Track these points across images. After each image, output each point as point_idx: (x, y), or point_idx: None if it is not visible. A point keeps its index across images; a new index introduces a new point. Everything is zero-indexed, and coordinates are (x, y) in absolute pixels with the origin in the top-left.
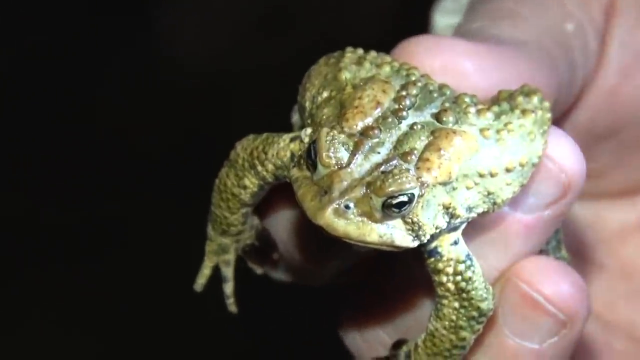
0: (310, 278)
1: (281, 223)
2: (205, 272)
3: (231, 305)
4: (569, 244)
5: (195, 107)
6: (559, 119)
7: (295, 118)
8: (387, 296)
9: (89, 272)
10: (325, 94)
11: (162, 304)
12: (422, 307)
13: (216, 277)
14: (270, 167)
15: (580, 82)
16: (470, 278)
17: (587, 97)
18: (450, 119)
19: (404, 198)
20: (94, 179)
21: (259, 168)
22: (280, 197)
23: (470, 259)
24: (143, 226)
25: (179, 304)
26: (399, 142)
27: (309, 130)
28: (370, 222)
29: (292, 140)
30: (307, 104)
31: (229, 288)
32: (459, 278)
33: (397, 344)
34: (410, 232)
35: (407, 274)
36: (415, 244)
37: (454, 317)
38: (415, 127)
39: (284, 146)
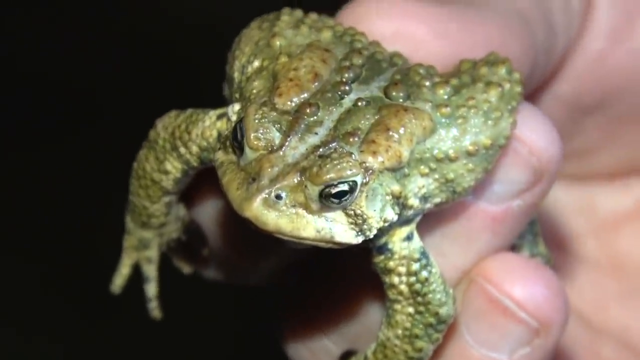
0: (244, 277)
1: (209, 214)
2: (124, 271)
3: (154, 309)
4: (550, 236)
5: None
6: (538, 91)
7: (227, 91)
8: (331, 299)
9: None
10: (256, 64)
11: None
12: (372, 312)
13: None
14: (194, 149)
15: (562, 48)
16: (426, 279)
17: (571, 65)
18: (401, 94)
19: (345, 187)
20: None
21: (182, 150)
22: (208, 184)
23: (427, 257)
24: None
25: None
26: (340, 121)
27: (236, 107)
28: (305, 214)
29: (219, 117)
30: (236, 75)
31: (151, 289)
32: (413, 279)
33: (345, 356)
34: (353, 226)
35: (353, 274)
36: (359, 240)
37: (408, 325)
38: (359, 104)
39: (210, 125)
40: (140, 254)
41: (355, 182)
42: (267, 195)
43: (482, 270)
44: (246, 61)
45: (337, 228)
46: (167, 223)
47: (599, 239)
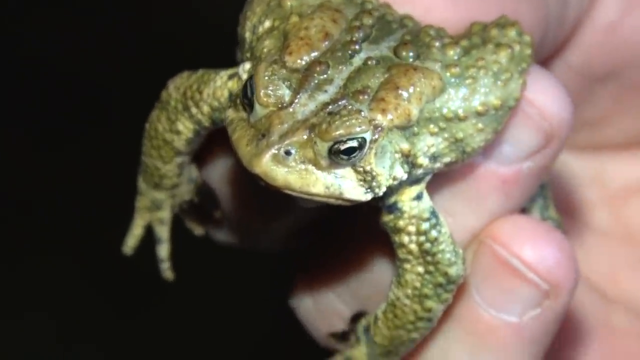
0: (256, 240)
1: (220, 173)
2: (136, 232)
3: (166, 270)
4: (561, 203)
5: None
6: (550, 60)
7: (240, 55)
8: (342, 259)
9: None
10: (267, 24)
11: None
12: (382, 271)
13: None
14: (205, 108)
15: (574, 16)
16: (435, 238)
17: (582, 33)
18: (411, 53)
19: (354, 143)
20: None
21: (194, 110)
22: (219, 144)
23: (436, 217)
24: None
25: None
26: (350, 79)
27: (247, 66)
28: (315, 170)
29: (230, 77)
30: (247, 35)
31: (163, 251)
32: (422, 238)
33: (356, 317)
34: (362, 183)
35: (363, 235)
36: (369, 197)
37: (417, 284)
38: (369, 63)
39: (222, 84)
40: (153, 215)
41: (364, 139)
42: (276, 151)
43: (492, 231)
44: (257, 21)
45: (346, 184)
46: (179, 184)
47: (610, 209)
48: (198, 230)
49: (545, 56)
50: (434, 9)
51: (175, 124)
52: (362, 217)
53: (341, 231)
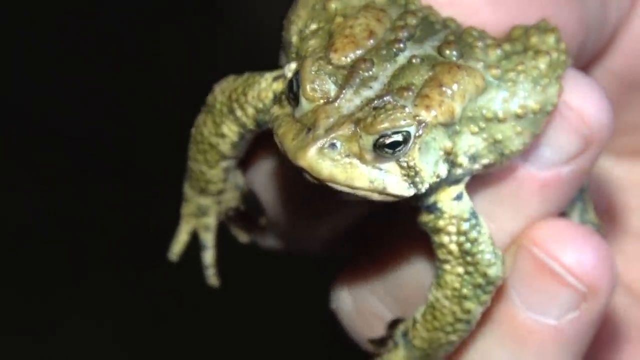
0: (300, 244)
1: (264, 177)
2: (182, 238)
3: (211, 277)
4: (600, 207)
5: None
6: (590, 64)
7: (284, 59)
8: (382, 262)
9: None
10: (313, 26)
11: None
12: (422, 274)
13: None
14: (250, 110)
15: (614, 22)
16: (475, 239)
17: (622, 39)
18: (455, 52)
19: (399, 137)
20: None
21: (239, 113)
22: (263, 147)
23: (476, 217)
24: None
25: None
26: (395, 76)
27: (293, 65)
28: (359, 164)
29: (275, 79)
30: (294, 39)
31: (208, 257)
32: (462, 238)
33: (394, 323)
34: (405, 178)
35: (403, 235)
36: (411, 192)
37: (457, 285)
38: (413, 61)
39: (266, 86)
40: (198, 222)
41: (408, 133)
42: (322, 145)
43: (531, 234)
44: (303, 25)
45: (390, 179)
46: (225, 190)
47: None
48: (243, 237)
49: (586, 61)
50: (476, 12)
51: (220, 127)
52: (402, 219)
53: (382, 233)
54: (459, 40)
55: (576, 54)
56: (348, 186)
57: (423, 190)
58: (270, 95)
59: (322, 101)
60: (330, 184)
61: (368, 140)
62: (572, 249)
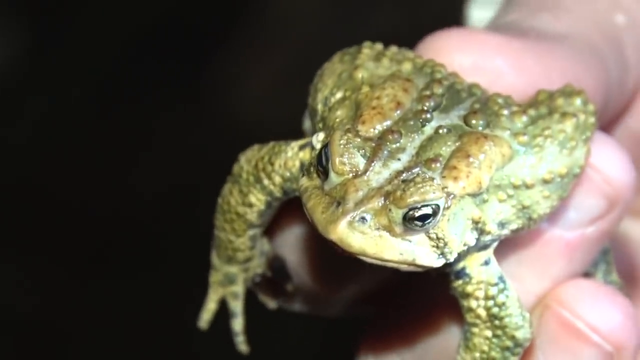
0: (326, 308)
1: (290, 241)
2: (211, 306)
3: (241, 344)
4: (622, 268)
5: None
6: (609, 125)
7: (307, 124)
8: (408, 324)
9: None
10: (339, 95)
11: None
12: (449, 336)
13: None
14: (277, 179)
15: (634, 83)
16: (503, 303)
17: None
18: (481, 122)
19: (428, 210)
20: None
21: (266, 182)
22: (288, 213)
23: (504, 282)
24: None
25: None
26: (422, 147)
27: (321, 135)
28: (389, 237)
29: (301, 148)
30: (319, 107)
31: (238, 325)
32: (490, 303)
33: None
34: (435, 249)
35: (431, 299)
36: (441, 263)
37: (485, 348)
38: (440, 131)
39: (293, 155)
40: (226, 290)
41: (437, 206)
42: (352, 218)
43: (557, 295)
44: (329, 93)
45: (419, 251)
46: (252, 257)
47: None
48: (271, 304)
49: (607, 121)
50: (501, 76)
51: (247, 197)
52: (429, 283)
53: (409, 298)
54: (484, 109)
55: (598, 115)
56: (378, 258)
57: (452, 260)
58: (297, 164)
59: (351, 174)
60: (360, 257)
61: (397, 213)
62: (597, 309)
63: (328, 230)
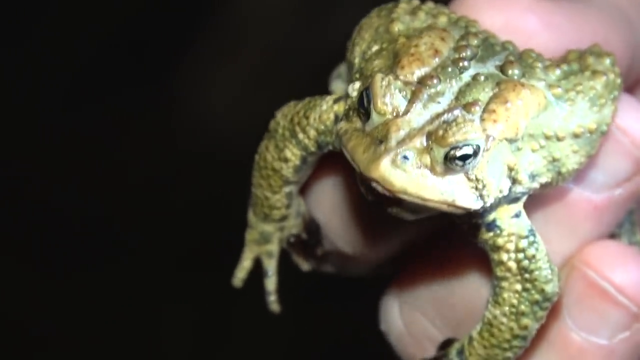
0: (355, 268)
1: (326, 200)
2: (245, 264)
3: (273, 303)
4: None
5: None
6: (634, 88)
7: (334, 86)
8: (434, 282)
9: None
10: (375, 47)
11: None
12: (475, 293)
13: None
14: (312, 133)
15: None
16: (533, 256)
17: None
18: (517, 71)
19: (469, 150)
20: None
21: (301, 136)
22: (322, 166)
23: (534, 235)
24: None
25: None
26: (461, 92)
27: (357, 84)
28: (430, 175)
29: (335, 101)
30: (357, 60)
31: (271, 284)
32: (521, 256)
33: (445, 343)
34: (473, 190)
35: (457, 255)
36: (479, 205)
37: (515, 302)
38: (478, 78)
39: (327, 108)
40: (262, 248)
41: (478, 146)
42: (394, 157)
43: (584, 256)
44: (366, 47)
45: (459, 191)
46: (288, 216)
47: None
48: (305, 265)
49: (632, 83)
50: (532, 36)
51: (283, 152)
52: (457, 237)
53: (436, 254)
54: (519, 61)
55: (624, 77)
56: (419, 197)
57: (488, 204)
58: (332, 117)
59: (392, 115)
60: (401, 196)
61: (439, 153)
62: (623, 270)
63: (370, 169)
